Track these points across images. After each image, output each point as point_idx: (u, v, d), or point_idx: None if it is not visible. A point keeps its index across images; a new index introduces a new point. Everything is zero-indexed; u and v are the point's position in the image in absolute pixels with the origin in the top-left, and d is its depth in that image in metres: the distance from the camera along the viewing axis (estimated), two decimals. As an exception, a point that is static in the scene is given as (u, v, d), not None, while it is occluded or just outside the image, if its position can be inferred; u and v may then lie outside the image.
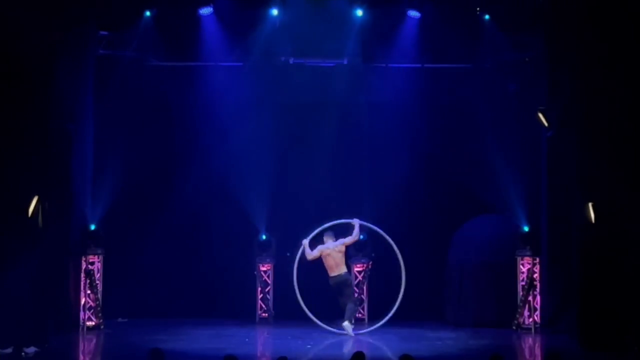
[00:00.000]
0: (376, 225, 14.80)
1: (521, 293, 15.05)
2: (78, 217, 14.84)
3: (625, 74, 12.90)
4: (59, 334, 13.76)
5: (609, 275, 12.85)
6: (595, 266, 13.00)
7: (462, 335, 14.42)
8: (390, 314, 14.37)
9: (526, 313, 14.94)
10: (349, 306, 14.30)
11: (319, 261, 14.53)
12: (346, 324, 14.04)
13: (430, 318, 15.80)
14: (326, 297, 14.71)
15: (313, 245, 14.57)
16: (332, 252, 14.46)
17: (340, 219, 14.71)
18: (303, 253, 14.47)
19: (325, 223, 14.45)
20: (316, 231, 14.59)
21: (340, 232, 14.74)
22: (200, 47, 15.94)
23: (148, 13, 15.43)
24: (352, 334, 14.04)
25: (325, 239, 14.61)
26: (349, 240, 14.58)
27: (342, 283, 14.43)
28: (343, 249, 14.58)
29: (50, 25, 13.35)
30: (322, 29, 15.33)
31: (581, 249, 13.35)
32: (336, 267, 14.44)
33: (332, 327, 14.26)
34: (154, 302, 15.83)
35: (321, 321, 14.24)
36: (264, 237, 15.92)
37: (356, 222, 14.55)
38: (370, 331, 14.40)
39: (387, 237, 14.67)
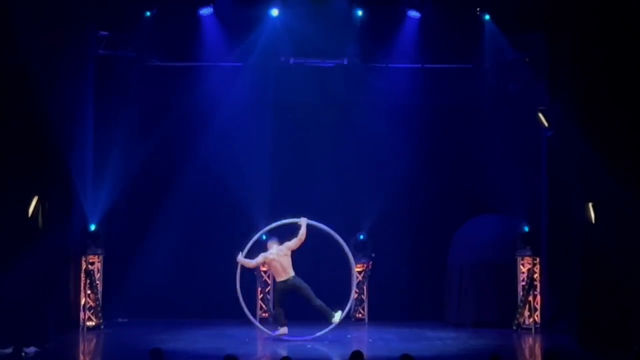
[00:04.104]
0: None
1: (521, 293, 15.05)
2: (78, 217, 14.83)
3: (625, 73, 12.89)
4: (59, 334, 13.76)
5: (609, 275, 12.83)
6: (595, 266, 12.99)
7: (462, 335, 14.42)
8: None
9: (526, 313, 14.94)
10: (319, 303, 13.57)
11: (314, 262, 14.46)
12: (336, 316, 13.46)
13: (430, 318, 15.80)
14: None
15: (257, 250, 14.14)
16: (276, 257, 13.82)
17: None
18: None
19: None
20: (255, 237, 14.08)
21: (291, 231, 14.09)
22: (200, 47, 15.93)
23: (148, 13, 15.43)
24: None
25: (269, 244, 14.04)
26: (293, 243, 13.76)
27: (292, 287, 13.77)
28: (289, 253, 13.79)
29: (50, 26, 13.35)
30: (322, 29, 15.32)
31: (581, 249, 13.35)
32: (283, 271, 13.79)
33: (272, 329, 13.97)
34: (154, 302, 15.83)
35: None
36: (264, 237, 15.89)
37: (303, 222, 13.77)
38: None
39: (339, 238, 14.01)
